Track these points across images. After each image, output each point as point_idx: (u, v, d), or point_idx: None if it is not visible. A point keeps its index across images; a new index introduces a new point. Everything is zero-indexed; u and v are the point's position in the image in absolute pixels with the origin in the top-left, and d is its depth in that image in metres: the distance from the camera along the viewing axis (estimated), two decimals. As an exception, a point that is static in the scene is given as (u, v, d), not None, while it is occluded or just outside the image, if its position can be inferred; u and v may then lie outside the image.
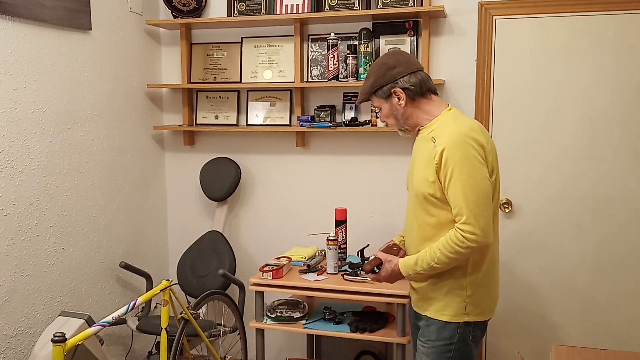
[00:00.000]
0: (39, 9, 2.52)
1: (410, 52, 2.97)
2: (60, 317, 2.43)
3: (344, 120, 3.12)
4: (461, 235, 1.87)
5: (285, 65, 3.20)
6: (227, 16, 3.23)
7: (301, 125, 3.08)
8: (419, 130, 2.08)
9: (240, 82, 3.28)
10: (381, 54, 3.00)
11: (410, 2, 2.92)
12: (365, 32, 2.95)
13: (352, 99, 3.12)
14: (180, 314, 2.50)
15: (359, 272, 2.59)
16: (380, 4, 2.97)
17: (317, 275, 2.70)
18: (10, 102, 2.43)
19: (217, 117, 3.36)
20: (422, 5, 2.91)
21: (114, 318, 2.12)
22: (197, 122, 3.39)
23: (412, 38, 2.98)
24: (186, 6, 3.27)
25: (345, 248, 2.80)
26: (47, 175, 2.62)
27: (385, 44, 3.03)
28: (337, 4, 3.04)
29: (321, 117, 3.09)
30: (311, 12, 3.06)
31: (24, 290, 2.52)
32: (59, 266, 2.71)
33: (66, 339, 1.86)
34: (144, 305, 3.05)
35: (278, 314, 2.70)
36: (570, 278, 2.92)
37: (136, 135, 3.24)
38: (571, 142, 2.86)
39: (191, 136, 3.45)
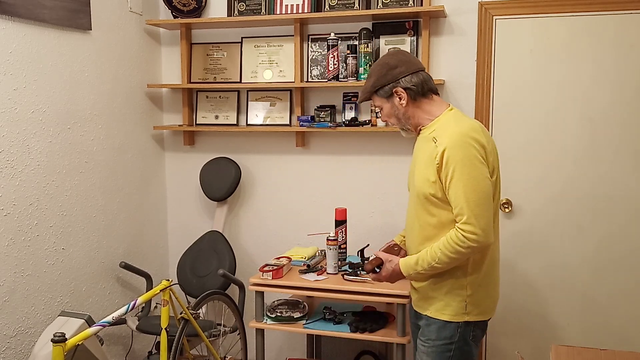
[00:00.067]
0: (39, 9, 2.52)
1: (410, 52, 2.97)
2: (60, 317, 2.43)
3: (344, 120, 3.12)
4: (462, 235, 1.88)
5: (285, 65, 3.20)
6: (227, 16, 3.23)
7: (301, 125, 3.08)
8: (420, 130, 2.08)
9: (240, 82, 3.28)
10: (381, 54, 3.01)
11: (410, 2, 2.92)
12: (365, 32, 2.95)
13: (352, 99, 3.12)
14: (180, 314, 2.50)
15: (359, 272, 2.59)
16: (380, 4, 2.97)
17: (317, 275, 2.70)
18: (10, 102, 2.43)
19: (217, 117, 3.36)
20: (422, 5, 2.91)
21: (114, 318, 2.12)
22: (197, 122, 3.39)
23: (412, 38, 2.98)
24: (186, 6, 3.27)
25: (345, 248, 2.80)
26: (47, 175, 2.62)
27: (385, 44, 3.03)
28: (337, 4, 3.04)
29: (321, 117, 3.09)
30: (311, 12, 3.06)
31: (24, 290, 2.52)
32: (59, 266, 2.70)
33: (66, 339, 1.86)
34: (144, 305, 3.05)
35: (278, 314, 2.70)
36: (570, 278, 2.92)
37: (136, 135, 3.24)
38: (571, 142, 2.86)
39: (191, 136, 3.45)
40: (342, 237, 2.77)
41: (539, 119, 2.89)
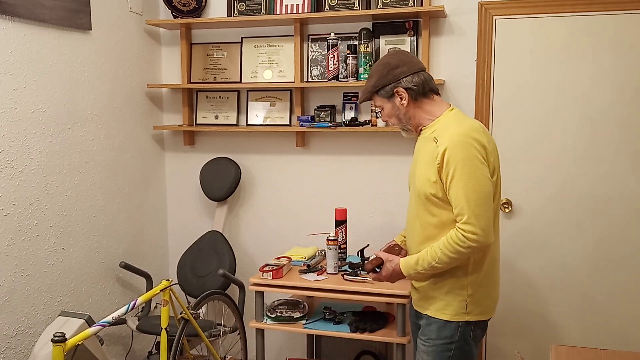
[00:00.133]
0: (39, 9, 2.52)
1: (410, 52, 2.96)
2: (60, 317, 2.43)
3: (344, 120, 3.12)
4: (462, 235, 1.88)
5: (285, 65, 3.20)
6: (227, 16, 3.23)
7: (301, 125, 3.08)
8: (421, 130, 2.08)
9: (240, 82, 3.28)
10: (381, 54, 3.02)
11: (410, 2, 2.92)
12: (365, 32, 2.95)
13: (352, 99, 3.12)
14: (180, 314, 2.50)
15: (359, 272, 2.59)
16: (380, 4, 2.97)
17: (317, 275, 2.70)
18: (10, 102, 2.43)
19: (217, 117, 3.36)
20: (422, 5, 2.92)
21: (114, 318, 2.12)
22: (197, 122, 3.39)
23: (412, 38, 2.98)
24: (186, 6, 3.27)
25: (345, 248, 2.80)
26: (47, 175, 2.62)
27: (385, 44, 3.03)
28: (337, 4, 3.04)
29: (321, 117, 3.09)
30: (311, 12, 3.06)
31: (24, 290, 2.52)
32: (59, 266, 2.70)
33: (66, 339, 1.86)
34: (144, 305, 3.05)
35: (278, 314, 2.70)
36: (570, 278, 2.92)
37: (136, 135, 3.24)
38: (571, 142, 2.86)
39: (191, 136, 3.45)
40: (342, 237, 2.77)
41: (539, 119, 2.89)
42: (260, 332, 2.73)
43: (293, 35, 3.15)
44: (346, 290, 2.54)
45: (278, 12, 3.13)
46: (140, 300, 2.28)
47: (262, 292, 2.71)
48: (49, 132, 2.63)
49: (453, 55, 2.96)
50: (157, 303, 3.16)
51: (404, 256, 2.13)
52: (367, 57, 2.95)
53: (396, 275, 2.09)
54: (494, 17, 2.88)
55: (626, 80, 2.75)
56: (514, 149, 2.92)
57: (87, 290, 2.90)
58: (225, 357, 3.24)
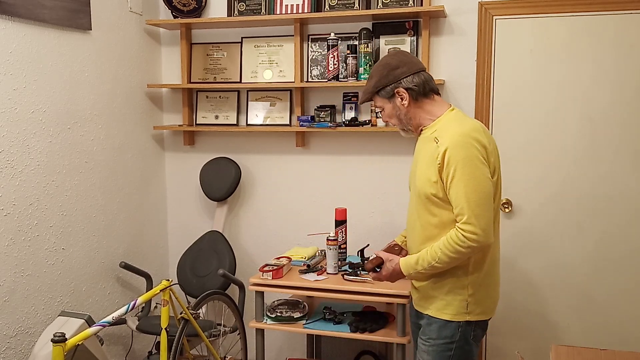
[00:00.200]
0: (39, 9, 2.52)
1: (410, 52, 2.97)
2: (60, 317, 2.43)
3: (344, 120, 3.12)
4: (462, 235, 1.88)
5: (285, 65, 3.20)
6: (227, 16, 3.23)
7: (301, 125, 3.08)
8: (421, 130, 2.08)
9: (240, 82, 3.28)
10: (381, 54, 3.02)
11: (410, 2, 2.92)
12: (365, 32, 2.95)
13: (352, 99, 3.12)
14: (180, 314, 2.50)
15: (359, 272, 2.59)
16: (380, 4, 2.97)
17: (317, 275, 2.70)
18: (10, 102, 2.43)
19: (217, 117, 3.36)
20: (422, 5, 2.92)
21: (114, 318, 2.12)
22: (197, 122, 3.39)
23: (412, 38, 2.98)
24: (186, 6, 3.27)
25: (345, 248, 2.80)
26: (47, 175, 2.62)
27: (385, 44, 3.03)
28: (337, 4, 3.04)
29: (321, 117, 3.09)
30: (311, 12, 3.06)
31: (24, 290, 2.52)
32: (59, 266, 2.70)
33: (66, 339, 1.86)
34: (144, 305, 3.05)
35: (278, 314, 2.70)
36: (570, 278, 2.92)
37: (136, 135, 3.24)
38: (571, 142, 2.86)
39: (191, 136, 3.45)
40: (342, 237, 2.77)
41: (539, 119, 2.89)
42: (260, 332, 2.73)
43: (293, 35, 3.15)
44: (346, 290, 2.54)
45: (278, 12, 3.13)
46: (140, 300, 2.28)
47: (262, 292, 2.71)
48: (49, 132, 2.63)
49: (453, 55, 2.96)
50: (157, 303, 3.16)
51: (404, 256, 2.13)
52: (367, 57, 2.95)
53: (396, 275, 2.09)
54: (494, 17, 2.88)
55: (626, 80, 2.76)
56: (514, 149, 2.92)
57: (87, 290, 2.90)
58: (225, 357, 3.24)
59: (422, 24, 2.93)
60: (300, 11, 3.09)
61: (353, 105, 3.12)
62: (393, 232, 2.93)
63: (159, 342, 2.67)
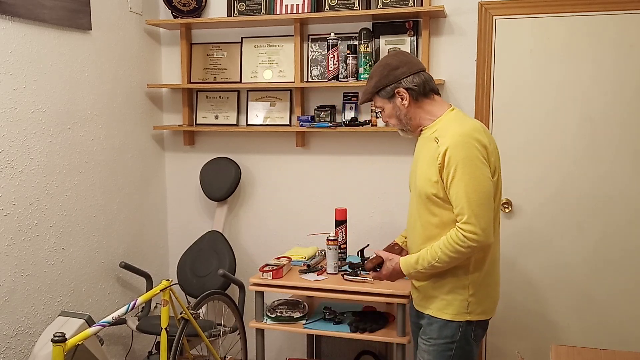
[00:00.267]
0: (39, 9, 2.52)
1: (410, 52, 2.97)
2: (60, 317, 2.43)
3: (344, 120, 3.12)
4: (462, 234, 1.88)
5: (285, 65, 3.20)
6: (227, 16, 3.23)
7: (301, 125, 3.08)
8: (421, 130, 2.08)
9: (240, 82, 3.28)
10: (381, 54, 3.02)
11: (410, 2, 2.92)
12: (365, 32, 2.95)
13: (352, 99, 3.12)
14: (180, 314, 2.50)
15: (359, 272, 2.59)
16: (380, 4, 2.97)
17: (317, 275, 2.70)
18: (10, 102, 2.43)
19: (217, 117, 3.36)
20: (422, 5, 2.92)
21: (114, 318, 2.12)
22: (197, 122, 3.39)
23: (412, 38, 2.98)
24: (186, 6, 3.27)
25: (345, 248, 2.80)
26: (47, 175, 2.62)
27: (385, 44, 3.03)
28: (337, 4, 3.04)
29: (321, 117, 3.09)
30: (311, 12, 3.06)
31: (24, 290, 2.52)
32: (59, 266, 2.70)
33: (66, 339, 1.86)
34: (144, 305, 3.05)
35: (278, 314, 2.70)
36: (570, 278, 2.92)
37: (136, 135, 3.24)
38: (571, 142, 2.86)
39: (191, 136, 3.45)
40: (342, 237, 2.77)
41: (539, 119, 2.89)
42: (260, 332, 2.73)
43: (293, 35, 3.15)
44: (346, 290, 2.54)
45: (278, 12, 3.13)
46: (140, 300, 2.28)
47: (262, 292, 2.71)
48: (49, 132, 2.63)
49: (453, 55, 2.96)
50: (157, 303, 3.15)
51: (404, 256, 2.13)
52: (367, 57, 2.95)
53: (396, 274, 2.09)
54: (494, 17, 2.88)
55: (626, 80, 2.76)
56: (514, 149, 2.92)
57: (87, 290, 2.90)
58: (225, 357, 3.24)
59: (422, 24, 2.93)
60: (300, 11, 3.09)
61: (353, 105, 3.12)
62: (393, 232, 2.93)
63: (159, 342, 2.67)
